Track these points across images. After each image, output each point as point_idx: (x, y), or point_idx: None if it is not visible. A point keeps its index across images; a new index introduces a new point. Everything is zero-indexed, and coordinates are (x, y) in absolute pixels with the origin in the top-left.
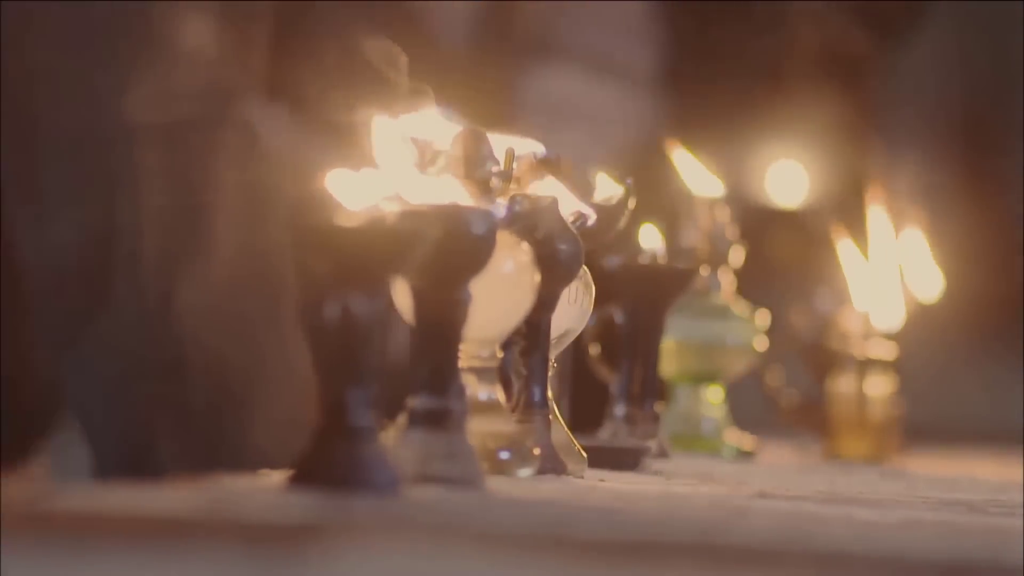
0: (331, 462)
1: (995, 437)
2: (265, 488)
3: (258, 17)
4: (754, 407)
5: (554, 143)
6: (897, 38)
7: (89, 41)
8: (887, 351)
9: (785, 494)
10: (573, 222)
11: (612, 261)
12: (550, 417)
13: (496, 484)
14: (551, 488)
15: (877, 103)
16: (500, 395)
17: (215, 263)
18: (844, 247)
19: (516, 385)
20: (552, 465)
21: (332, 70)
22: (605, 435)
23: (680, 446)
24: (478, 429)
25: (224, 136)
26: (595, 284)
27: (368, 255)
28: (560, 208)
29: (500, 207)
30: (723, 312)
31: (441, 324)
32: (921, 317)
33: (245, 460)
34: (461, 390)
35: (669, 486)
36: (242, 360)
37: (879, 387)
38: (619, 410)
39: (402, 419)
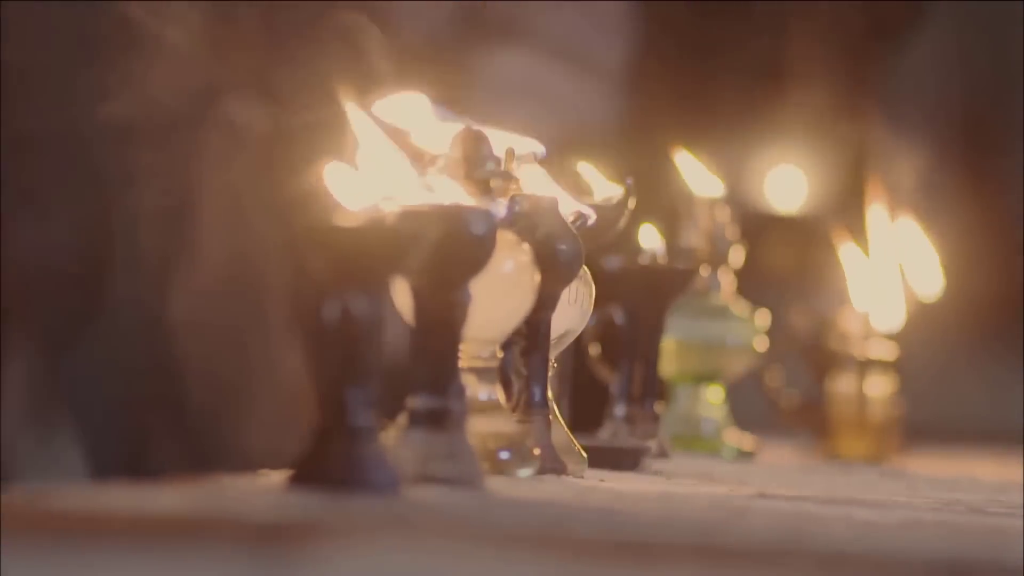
0: (331, 462)
1: (995, 437)
2: (265, 488)
3: (238, 15)
4: (754, 407)
5: (508, 121)
6: (897, 40)
7: (73, 42)
8: (887, 351)
9: (785, 494)
10: (573, 222)
11: (612, 261)
12: (550, 417)
13: (496, 484)
14: (551, 488)
15: (877, 103)
16: (500, 395)
17: (204, 265)
18: (844, 248)
19: (516, 385)
20: (552, 465)
21: (307, 60)
22: (605, 435)
23: (680, 446)
24: (478, 429)
25: (209, 136)
26: (595, 284)
27: (368, 255)
28: (560, 208)
29: (500, 207)
30: (723, 312)
31: (441, 324)
32: (921, 317)
33: (235, 461)
34: (461, 390)
35: (669, 486)
36: (232, 361)
37: (879, 387)
38: (619, 410)
39: (402, 419)
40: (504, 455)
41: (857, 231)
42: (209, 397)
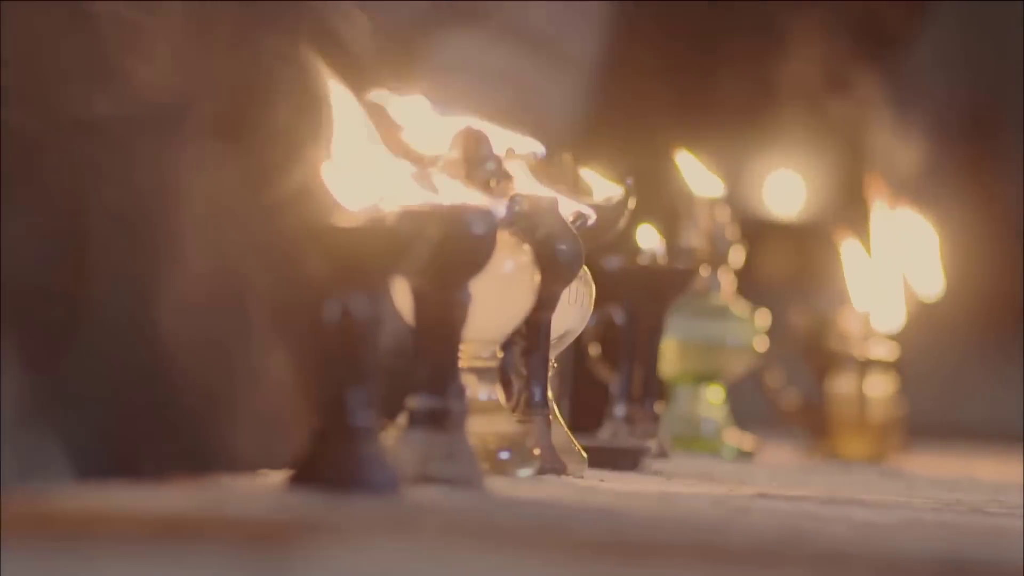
0: (331, 462)
1: (995, 437)
2: (264, 488)
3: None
4: (754, 407)
5: (477, 107)
6: (898, 40)
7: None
8: (888, 351)
9: (785, 494)
10: (573, 222)
11: (612, 261)
12: (550, 417)
13: (496, 484)
14: (551, 488)
15: (879, 103)
16: (500, 395)
17: (191, 267)
18: (845, 248)
19: (516, 385)
20: (552, 465)
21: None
22: (605, 435)
23: (680, 446)
24: (478, 429)
25: (192, 138)
26: (595, 284)
27: (368, 255)
28: (560, 208)
29: (500, 207)
30: (723, 312)
31: (441, 324)
32: (922, 317)
33: (225, 464)
34: (461, 390)
35: (669, 486)
36: (219, 364)
37: (879, 387)
38: (619, 410)
39: (402, 419)
40: (504, 455)
41: (858, 231)
42: (197, 400)
